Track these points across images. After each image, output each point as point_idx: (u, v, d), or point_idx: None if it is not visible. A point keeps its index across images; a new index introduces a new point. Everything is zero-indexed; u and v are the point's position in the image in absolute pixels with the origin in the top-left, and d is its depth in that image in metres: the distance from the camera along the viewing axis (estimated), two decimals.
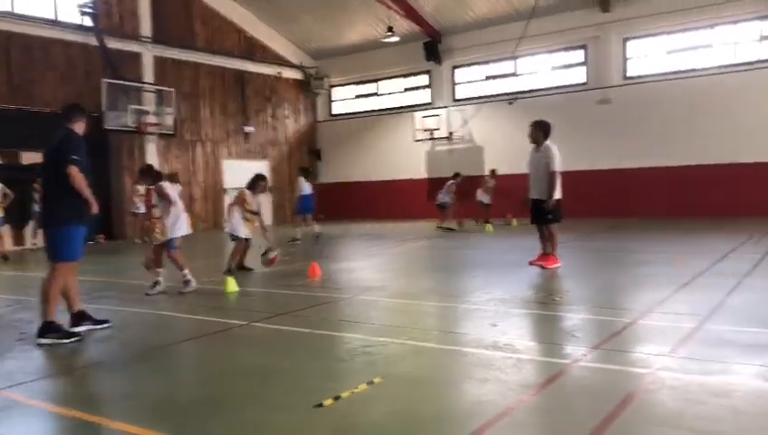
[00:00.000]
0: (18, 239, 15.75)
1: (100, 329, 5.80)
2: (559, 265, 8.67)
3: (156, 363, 4.78)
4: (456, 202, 16.94)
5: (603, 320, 5.62)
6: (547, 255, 8.75)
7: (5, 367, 4.75)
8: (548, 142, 8.96)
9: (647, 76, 18.34)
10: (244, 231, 9.59)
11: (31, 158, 16.03)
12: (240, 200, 9.67)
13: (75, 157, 5.51)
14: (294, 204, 16.69)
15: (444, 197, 16.72)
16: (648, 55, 18.43)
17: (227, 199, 21.15)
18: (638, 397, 3.57)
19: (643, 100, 17.99)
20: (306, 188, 15.42)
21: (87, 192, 5.50)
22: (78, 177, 5.46)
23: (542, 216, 8.78)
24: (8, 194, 13.28)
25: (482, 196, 17.60)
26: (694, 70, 17.59)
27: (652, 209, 17.53)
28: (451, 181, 16.89)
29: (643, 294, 6.94)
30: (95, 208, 5.59)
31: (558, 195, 8.80)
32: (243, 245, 9.65)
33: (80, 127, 5.98)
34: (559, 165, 8.78)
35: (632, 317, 5.58)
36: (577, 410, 3.43)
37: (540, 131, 8.99)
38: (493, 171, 18.13)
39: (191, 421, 3.48)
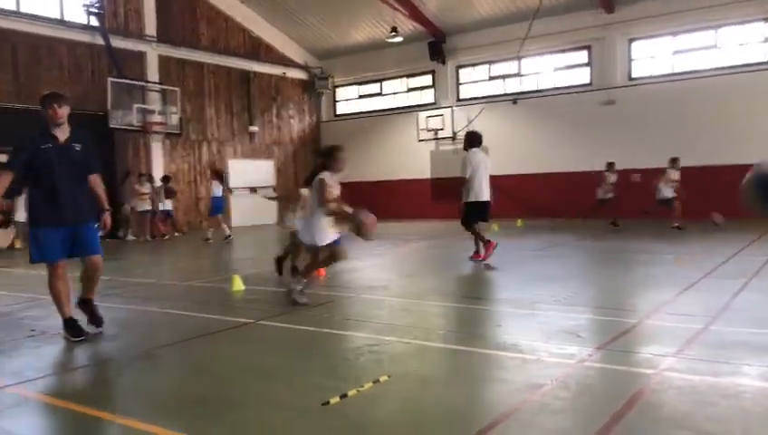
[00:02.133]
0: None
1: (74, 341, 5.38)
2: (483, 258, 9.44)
3: (164, 361, 4.81)
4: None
5: (609, 320, 5.63)
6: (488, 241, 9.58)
7: (15, 364, 4.78)
8: (472, 150, 10.10)
9: (652, 77, 18.33)
10: (329, 235, 6.70)
11: None
12: (322, 191, 6.50)
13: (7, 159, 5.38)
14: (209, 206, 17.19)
15: (665, 190, 14.86)
16: (654, 56, 18.41)
17: (233, 199, 21.31)
18: (645, 398, 3.58)
19: (648, 101, 17.97)
20: (217, 190, 16.11)
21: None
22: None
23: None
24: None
25: (604, 193, 16.34)
26: (699, 71, 17.57)
27: (657, 210, 17.46)
28: (670, 169, 14.93)
29: (649, 294, 6.94)
30: None
31: (473, 197, 9.58)
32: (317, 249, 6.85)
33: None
34: (470, 172, 9.70)
35: (638, 318, 5.59)
36: (582, 411, 3.44)
37: (466, 141, 10.28)
38: (611, 164, 16.46)
39: (198, 418, 3.51)
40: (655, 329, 5.26)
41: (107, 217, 5.61)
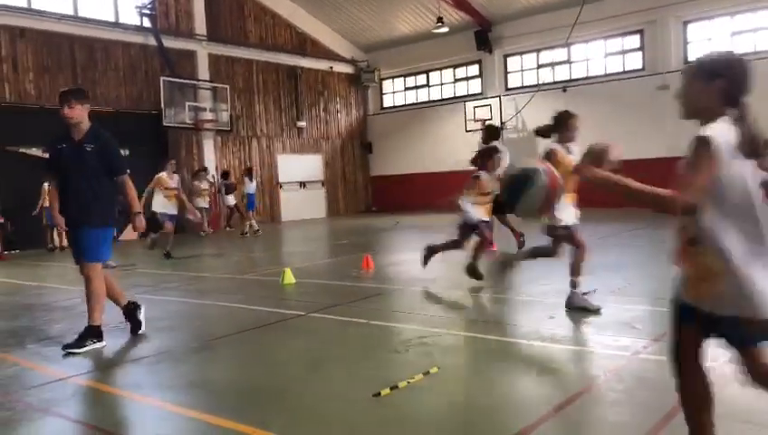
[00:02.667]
0: None
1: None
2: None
3: (220, 353, 4.94)
4: None
5: (665, 311, 5.47)
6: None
7: (77, 355, 4.99)
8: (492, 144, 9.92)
9: None
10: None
11: None
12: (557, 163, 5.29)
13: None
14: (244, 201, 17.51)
15: None
16: (710, 38, 17.72)
17: (283, 194, 21.63)
18: None
19: None
20: (251, 187, 17.05)
21: None
22: None
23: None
24: None
25: None
26: (759, 52, 16.82)
27: None
28: None
29: None
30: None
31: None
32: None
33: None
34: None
35: None
36: (638, 403, 3.37)
37: (486, 135, 10.58)
38: None
39: (251, 409, 3.59)
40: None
41: (136, 220, 5.37)
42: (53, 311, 6.92)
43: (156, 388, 4.08)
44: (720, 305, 2.21)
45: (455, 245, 7.59)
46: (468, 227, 7.46)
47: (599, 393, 3.53)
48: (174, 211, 11.63)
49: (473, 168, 7.92)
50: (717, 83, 2.27)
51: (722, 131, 2.21)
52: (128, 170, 5.39)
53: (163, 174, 11.59)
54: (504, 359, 4.44)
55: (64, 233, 5.67)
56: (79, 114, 5.29)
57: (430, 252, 7.84)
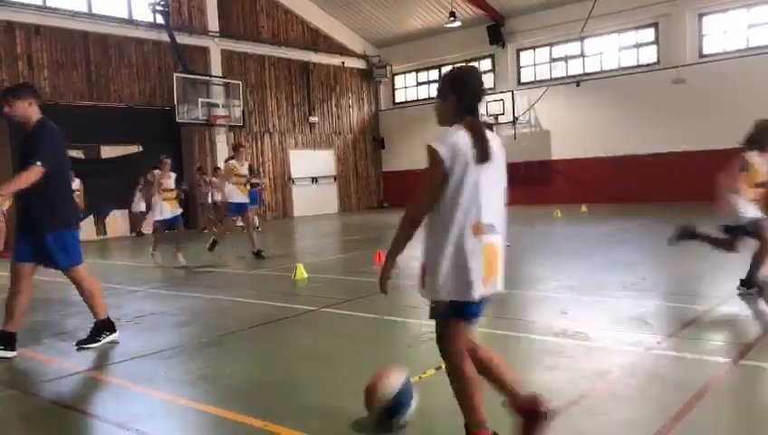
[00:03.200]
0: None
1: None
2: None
3: (230, 347, 4.97)
4: None
5: (679, 307, 5.44)
6: None
7: (93, 349, 5.04)
8: None
9: (724, 53, 17.44)
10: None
11: (109, 152, 16.86)
12: None
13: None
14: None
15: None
16: (726, 31, 17.51)
17: (295, 190, 21.68)
18: (717, 387, 3.45)
19: (720, 79, 17.11)
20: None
21: None
22: None
23: None
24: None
25: None
26: None
27: None
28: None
29: (721, 281, 6.66)
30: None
31: None
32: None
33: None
34: None
35: (710, 305, 5.38)
36: (651, 399, 3.35)
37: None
38: None
39: (263, 403, 3.61)
40: (729, 316, 5.05)
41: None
42: (68, 306, 6.99)
43: (168, 382, 4.11)
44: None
45: (725, 245, 6.01)
46: (741, 230, 5.80)
47: (611, 389, 3.51)
48: (246, 200, 10.81)
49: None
50: (454, 96, 2.72)
51: (457, 140, 2.64)
52: (39, 163, 4.59)
53: (233, 161, 10.79)
54: (517, 354, 4.43)
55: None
56: (20, 111, 4.78)
57: (689, 235, 6.29)
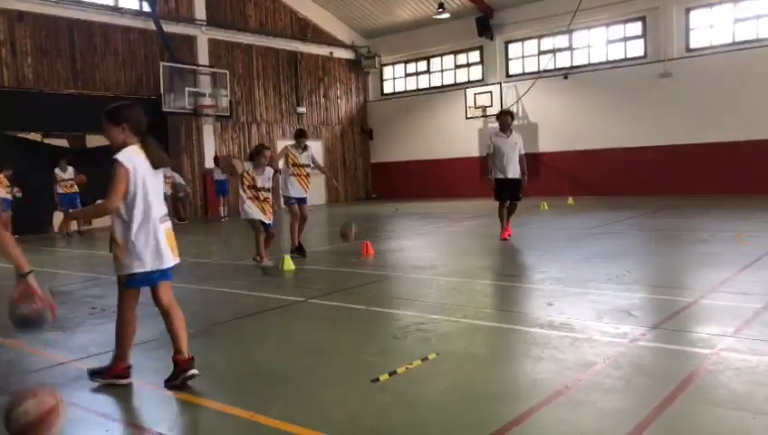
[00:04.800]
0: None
1: None
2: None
3: (217, 338, 4.96)
4: None
5: (664, 299, 5.50)
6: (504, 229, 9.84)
7: (79, 340, 5.01)
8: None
9: (711, 48, 17.56)
10: None
11: (96, 141, 16.68)
12: None
13: None
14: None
15: None
16: (713, 26, 17.61)
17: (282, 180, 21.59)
18: (700, 378, 3.49)
19: (707, 73, 17.24)
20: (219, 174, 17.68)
21: None
22: None
23: (519, 193, 9.91)
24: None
25: None
26: (762, 40, 16.73)
27: (718, 186, 16.88)
28: None
29: (707, 272, 6.74)
30: None
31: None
32: None
33: None
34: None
35: (694, 297, 5.44)
36: (635, 390, 3.39)
37: (511, 119, 10.19)
38: None
39: (250, 393, 3.61)
40: (712, 308, 5.11)
41: None
42: (53, 296, 6.93)
43: (155, 372, 4.09)
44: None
45: None
46: None
47: (596, 380, 3.54)
48: (305, 194, 9.35)
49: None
50: (126, 125, 3.63)
51: (133, 155, 3.58)
52: None
53: (290, 145, 9.35)
54: (503, 345, 4.46)
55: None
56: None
57: None
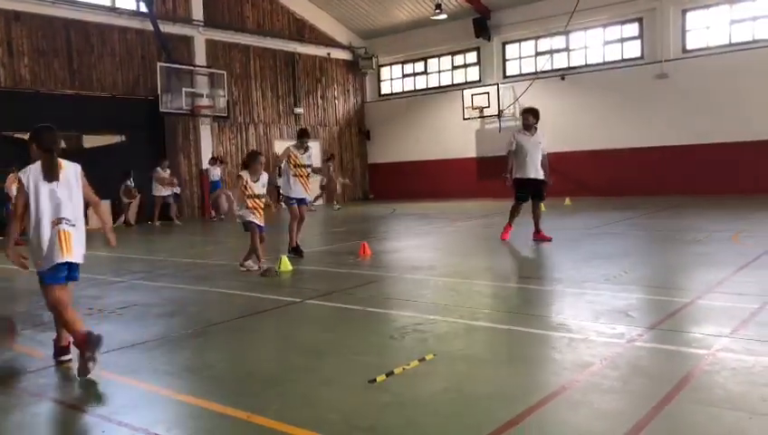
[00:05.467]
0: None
1: None
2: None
3: (215, 338, 4.95)
4: None
5: (660, 300, 5.50)
6: (510, 226, 9.72)
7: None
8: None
9: (707, 49, 17.60)
10: None
11: (92, 141, 16.65)
12: None
13: None
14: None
15: None
16: (709, 27, 17.66)
17: (279, 181, 21.58)
18: (697, 378, 3.50)
19: (703, 74, 17.29)
20: (215, 174, 18.16)
21: None
22: None
23: (543, 193, 9.72)
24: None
25: None
26: (758, 41, 16.79)
27: (713, 187, 16.93)
28: None
29: (703, 273, 6.75)
30: None
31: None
32: None
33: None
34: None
35: (690, 297, 5.45)
36: (632, 391, 3.39)
37: (536, 118, 9.64)
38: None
39: (247, 394, 3.60)
40: (709, 308, 5.12)
41: None
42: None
43: (152, 373, 4.09)
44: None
45: None
46: None
47: (593, 380, 3.55)
48: (305, 195, 9.31)
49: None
50: (35, 144, 4.19)
51: (33, 169, 4.12)
52: None
53: (292, 147, 9.24)
54: (500, 346, 4.46)
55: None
56: None
57: None
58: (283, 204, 9.48)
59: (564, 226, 11.82)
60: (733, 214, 12.31)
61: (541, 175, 9.46)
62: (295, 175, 9.07)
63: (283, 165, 9.22)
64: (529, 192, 9.51)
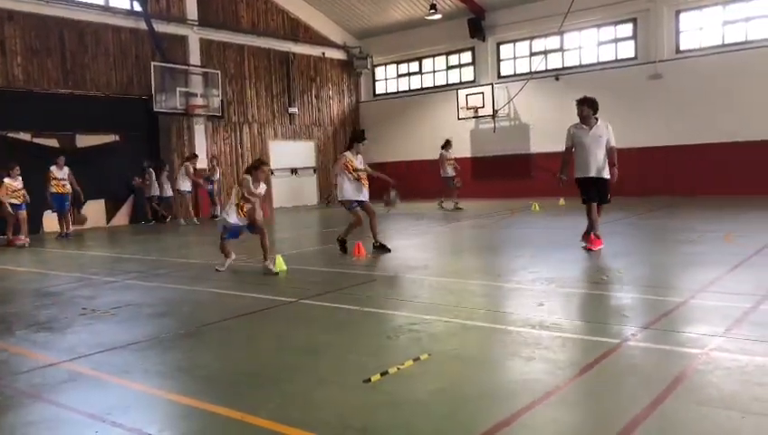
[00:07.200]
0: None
1: None
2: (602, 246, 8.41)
3: (208, 338, 4.94)
4: None
5: (654, 299, 5.52)
6: (597, 236, 8.43)
7: (69, 340, 4.98)
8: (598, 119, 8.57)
9: (700, 50, 17.66)
10: None
11: (86, 141, 16.59)
12: None
13: None
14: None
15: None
16: (702, 28, 17.72)
17: (274, 181, 21.55)
18: (690, 378, 3.51)
19: (697, 75, 17.35)
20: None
21: None
22: None
23: (606, 195, 8.53)
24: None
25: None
26: (751, 42, 16.86)
27: (707, 187, 16.99)
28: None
29: (697, 272, 6.78)
30: None
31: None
32: None
33: None
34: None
35: (684, 297, 5.47)
36: (625, 391, 3.40)
37: (592, 108, 8.60)
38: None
39: (241, 394, 3.60)
40: (702, 308, 5.14)
41: None
42: (41, 297, 6.89)
43: (144, 373, 4.08)
44: None
45: None
46: None
47: (587, 380, 3.56)
48: (365, 195, 9.56)
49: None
50: None
51: None
52: None
53: (348, 153, 9.45)
54: (494, 346, 4.46)
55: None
56: None
57: None
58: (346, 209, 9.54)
59: (558, 225, 11.85)
60: (725, 214, 12.37)
61: (604, 174, 8.30)
62: (355, 179, 9.26)
63: (338, 171, 9.27)
64: (592, 192, 8.39)
